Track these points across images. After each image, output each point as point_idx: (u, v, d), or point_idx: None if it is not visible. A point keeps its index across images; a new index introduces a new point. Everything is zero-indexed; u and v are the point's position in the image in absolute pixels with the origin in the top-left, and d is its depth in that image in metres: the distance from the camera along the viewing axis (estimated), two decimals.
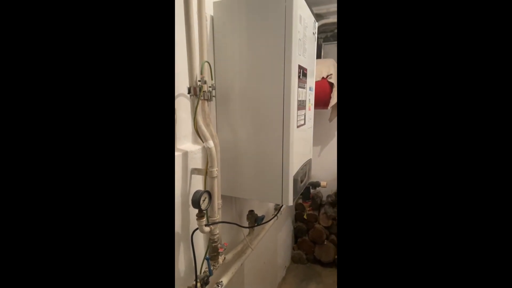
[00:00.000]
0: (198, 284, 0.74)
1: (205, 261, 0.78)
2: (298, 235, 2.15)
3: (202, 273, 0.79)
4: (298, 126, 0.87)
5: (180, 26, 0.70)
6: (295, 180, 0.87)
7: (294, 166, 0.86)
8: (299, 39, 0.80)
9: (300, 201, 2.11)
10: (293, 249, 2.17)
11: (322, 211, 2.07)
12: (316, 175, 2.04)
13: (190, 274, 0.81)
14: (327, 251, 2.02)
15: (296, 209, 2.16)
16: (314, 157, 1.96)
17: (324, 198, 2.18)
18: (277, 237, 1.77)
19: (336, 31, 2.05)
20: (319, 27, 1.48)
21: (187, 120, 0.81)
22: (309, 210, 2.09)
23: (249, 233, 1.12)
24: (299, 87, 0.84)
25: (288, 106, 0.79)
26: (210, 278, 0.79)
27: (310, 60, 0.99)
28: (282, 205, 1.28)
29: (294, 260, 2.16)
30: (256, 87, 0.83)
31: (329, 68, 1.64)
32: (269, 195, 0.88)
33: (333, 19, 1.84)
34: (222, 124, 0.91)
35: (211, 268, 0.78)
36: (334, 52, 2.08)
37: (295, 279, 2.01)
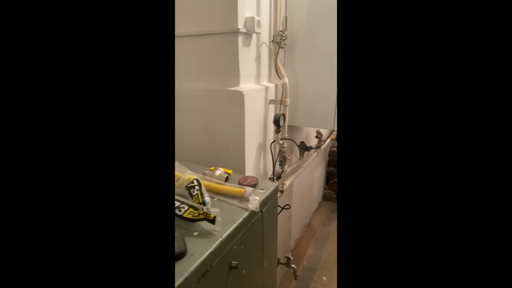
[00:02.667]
0: (275, 177, 1.10)
1: (278, 162, 1.13)
2: (329, 177, 2.50)
3: (276, 172, 1.16)
4: None
5: None
6: None
7: None
8: None
9: (334, 148, 2.41)
10: (325, 189, 2.54)
11: None
12: None
13: (266, 173, 1.17)
14: None
15: (329, 156, 2.47)
16: None
17: None
18: (313, 174, 2.12)
19: None
20: None
21: (266, 63, 1.09)
22: None
23: (299, 158, 1.46)
24: None
25: None
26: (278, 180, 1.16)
27: None
28: (326, 139, 1.59)
29: (325, 198, 2.55)
30: (317, 37, 1.07)
31: None
32: (323, 122, 1.17)
33: None
34: (287, 68, 1.18)
35: (284, 168, 1.14)
36: None
37: (325, 211, 2.42)
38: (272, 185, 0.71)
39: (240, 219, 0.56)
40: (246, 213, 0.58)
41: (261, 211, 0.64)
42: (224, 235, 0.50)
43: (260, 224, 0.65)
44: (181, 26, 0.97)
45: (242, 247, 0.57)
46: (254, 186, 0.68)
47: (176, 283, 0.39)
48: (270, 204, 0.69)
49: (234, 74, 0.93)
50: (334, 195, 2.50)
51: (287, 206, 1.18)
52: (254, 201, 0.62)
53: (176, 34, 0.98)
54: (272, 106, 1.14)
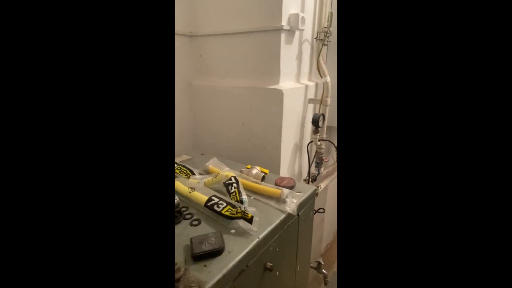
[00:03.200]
0: (310, 179, 1.07)
1: (314, 164, 1.10)
2: None
3: (311, 174, 1.12)
4: None
5: None
6: None
7: None
8: None
9: None
10: None
11: None
12: None
13: (301, 174, 1.14)
14: None
15: None
16: None
17: None
18: None
19: None
20: None
21: (307, 61, 1.05)
22: None
23: (337, 160, 1.39)
24: None
25: None
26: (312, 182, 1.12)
27: None
28: None
29: None
30: None
31: None
32: None
33: None
34: (329, 66, 1.12)
35: (320, 170, 1.10)
36: None
37: None
38: (310, 188, 0.68)
39: (277, 221, 0.55)
40: (283, 215, 0.57)
41: (298, 215, 0.62)
42: (261, 236, 0.50)
43: (295, 228, 0.63)
44: (223, 24, 0.99)
45: (277, 249, 0.56)
46: (291, 188, 0.66)
47: (215, 280, 0.39)
48: (307, 208, 0.67)
49: (274, 72, 0.92)
50: None
51: (321, 210, 1.14)
52: (292, 204, 0.60)
53: (218, 32, 1.00)
54: (311, 106, 1.10)
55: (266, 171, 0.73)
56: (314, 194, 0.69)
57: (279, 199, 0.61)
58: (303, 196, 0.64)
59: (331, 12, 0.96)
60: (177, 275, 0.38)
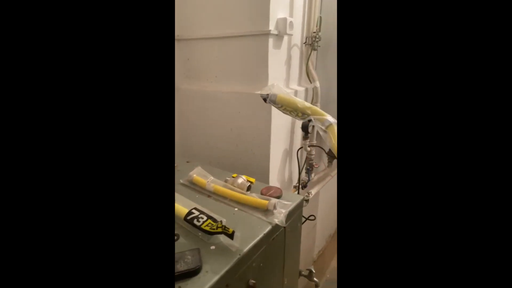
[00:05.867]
0: (300, 185, 1.04)
1: (304, 170, 1.07)
2: None
3: (301, 180, 1.10)
4: None
5: None
6: None
7: None
8: None
9: None
10: None
11: None
12: None
13: (291, 180, 1.12)
14: None
15: None
16: None
17: None
18: None
19: None
20: None
21: (296, 66, 1.04)
22: None
23: (328, 165, 1.38)
24: None
25: None
26: (303, 189, 1.10)
27: None
28: None
29: None
30: None
31: None
32: None
33: None
34: (319, 71, 1.11)
35: (310, 176, 1.08)
36: None
37: None
38: (298, 198, 0.66)
39: (261, 234, 0.52)
40: (268, 228, 0.54)
41: (284, 227, 0.59)
42: (243, 252, 0.47)
43: (282, 239, 0.60)
44: (210, 28, 0.96)
45: (261, 264, 0.53)
46: (278, 197, 0.64)
47: None
48: (295, 217, 0.64)
49: (263, 77, 0.90)
50: None
51: (312, 217, 1.12)
52: (280, 215, 0.58)
53: (205, 36, 0.98)
54: None
55: (253, 180, 0.71)
56: (302, 203, 0.66)
57: (266, 210, 0.59)
58: (291, 205, 0.61)
59: (320, 17, 0.95)
60: None
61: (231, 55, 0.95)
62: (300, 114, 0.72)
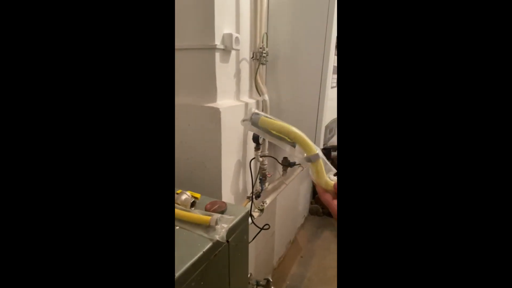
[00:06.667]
0: (254, 196, 1.06)
1: (258, 180, 1.09)
2: (316, 191, 2.48)
3: (255, 190, 1.11)
4: (332, 87, 1.10)
5: (246, 4, 0.93)
6: (326, 129, 1.13)
7: (326, 118, 1.11)
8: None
9: None
10: (311, 203, 2.51)
11: None
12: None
13: (245, 191, 1.13)
14: None
15: None
16: None
17: None
18: (299, 188, 2.09)
19: None
20: None
21: (246, 79, 1.07)
22: None
23: (282, 174, 1.42)
24: (335, 55, 1.06)
25: (326, 70, 1.02)
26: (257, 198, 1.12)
27: None
28: None
29: (311, 212, 2.51)
30: (299, 54, 1.06)
31: None
32: None
33: None
34: (269, 84, 1.16)
35: (263, 186, 1.10)
36: None
37: (311, 227, 2.37)
38: (243, 210, 0.67)
39: (200, 253, 0.51)
40: (209, 244, 0.54)
41: (227, 241, 0.59)
42: (178, 273, 0.45)
43: (226, 255, 0.60)
44: None
45: (202, 283, 0.52)
46: (222, 212, 0.63)
47: None
48: (240, 231, 0.65)
49: (211, 90, 0.90)
50: (321, 209, 2.46)
51: (267, 226, 1.14)
52: (221, 230, 0.57)
53: None
54: None
55: (198, 195, 0.70)
56: (248, 216, 0.67)
57: (209, 226, 0.58)
58: (234, 219, 0.62)
59: (266, 33, 1.00)
60: None
61: (180, 68, 0.93)
62: (288, 139, 0.54)
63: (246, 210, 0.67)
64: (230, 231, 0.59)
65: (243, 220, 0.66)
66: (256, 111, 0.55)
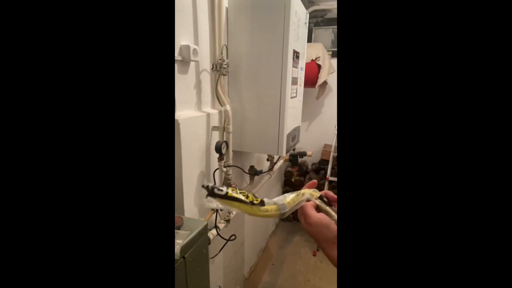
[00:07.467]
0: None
1: None
2: None
3: None
4: (291, 97, 1.15)
5: (204, 17, 0.95)
6: (287, 137, 1.16)
7: (288, 127, 1.15)
8: (294, 29, 1.06)
9: (289, 168, 2.45)
10: None
11: (307, 177, 2.42)
12: (304, 147, 2.37)
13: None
14: None
15: (285, 176, 2.50)
16: (302, 131, 2.27)
17: (310, 166, 2.52)
18: (269, 195, 2.11)
19: (325, 16, 2.29)
20: (310, 13, 1.71)
21: (208, 90, 1.07)
22: (296, 176, 2.43)
23: (250, 183, 1.43)
24: (293, 66, 1.11)
25: (285, 81, 1.06)
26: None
27: (302, 45, 1.25)
28: (276, 161, 1.59)
29: (282, 218, 2.54)
30: (259, 66, 1.09)
31: (317, 51, 1.90)
32: (268, 148, 1.17)
33: (323, 6, 2.07)
34: (232, 95, 1.17)
35: None
36: (323, 37, 2.33)
37: (283, 232, 2.40)
38: (201, 224, 0.65)
39: None
40: None
41: (183, 257, 0.58)
42: None
43: (183, 271, 0.58)
44: None
45: None
46: (178, 228, 0.62)
47: None
48: (198, 246, 0.63)
49: None
50: (291, 215, 2.51)
51: (233, 237, 1.12)
52: (176, 246, 0.56)
53: None
54: (216, 133, 1.11)
55: None
56: (206, 229, 0.66)
57: None
58: (190, 234, 0.60)
59: (225, 45, 1.01)
60: None
61: None
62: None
63: (204, 224, 0.66)
64: (186, 247, 0.58)
65: (201, 233, 0.64)
66: (214, 189, 0.42)
